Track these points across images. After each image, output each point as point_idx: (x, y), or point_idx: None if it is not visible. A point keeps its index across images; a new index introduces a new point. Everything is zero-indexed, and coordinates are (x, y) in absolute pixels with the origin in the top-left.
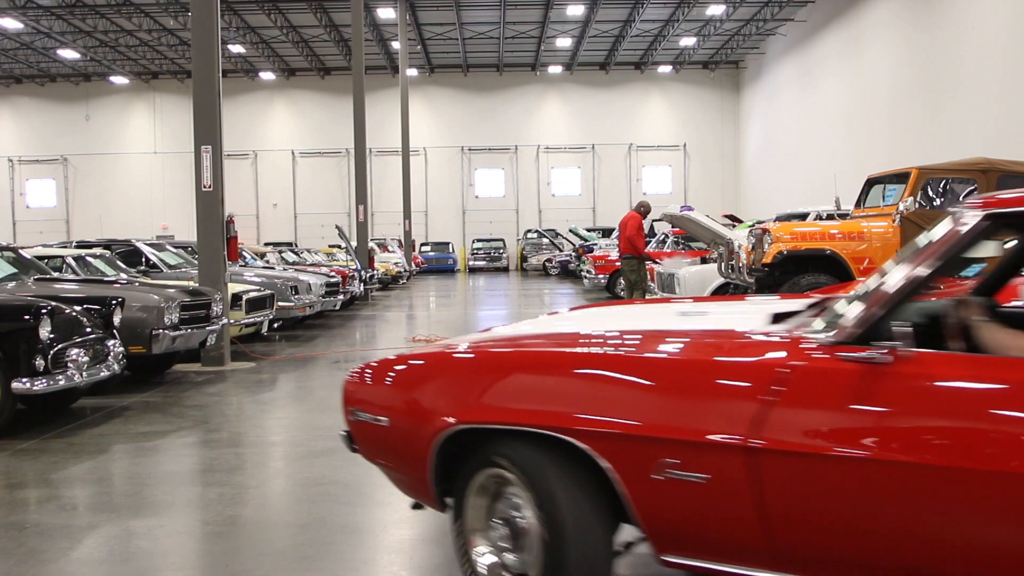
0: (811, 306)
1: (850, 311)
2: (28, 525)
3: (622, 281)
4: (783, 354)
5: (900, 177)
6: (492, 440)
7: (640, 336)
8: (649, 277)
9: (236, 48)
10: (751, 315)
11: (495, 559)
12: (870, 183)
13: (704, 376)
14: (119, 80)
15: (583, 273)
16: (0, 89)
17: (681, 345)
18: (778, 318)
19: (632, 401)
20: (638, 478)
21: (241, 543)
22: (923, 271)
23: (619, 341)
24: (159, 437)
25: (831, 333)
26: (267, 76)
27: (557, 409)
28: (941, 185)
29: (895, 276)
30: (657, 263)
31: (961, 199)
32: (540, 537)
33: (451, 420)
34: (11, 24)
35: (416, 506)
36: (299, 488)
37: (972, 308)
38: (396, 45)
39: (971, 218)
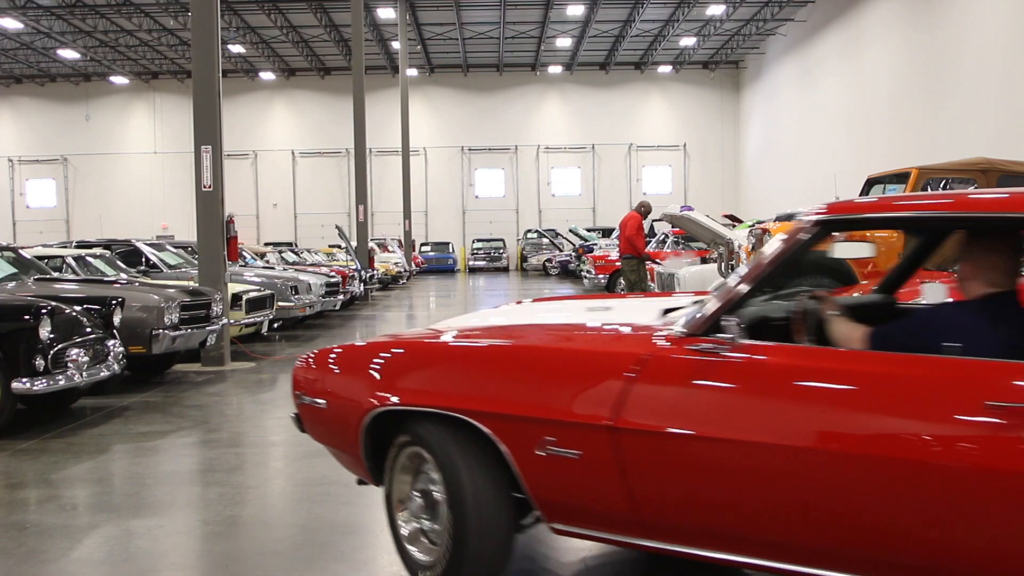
0: (694, 303)
1: (704, 308)
2: (28, 525)
3: (622, 281)
4: (639, 345)
5: (900, 177)
6: (411, 422)
7: (535, 328)
8: (649, 277)
9: (236, 48)
10: (647, 310)
11: (416, 525)
12: (870, 183)
13: (576, 363)
14: (119, 80)
15: (583, 273)
16: (0, 89)
17: (565, 336)
18: (667, 312)
19: (520, 386)
20: (525, 454)
21: (241, 543)
22: (766, 271)
23: (520, 332)
24: (159, 437)
25: (684, 327)
26: (267, 76)
27: (461, 393)
28: (941, 185)
29: (742, 275)
30: (657, 263)
31: None
32: (447, 507)
33: (376, 402)
34: (11, 24)
35: (360, 482)
36: (299, 488)
37: (826, 303)
38: (396, 45)
39: (807, 223)
